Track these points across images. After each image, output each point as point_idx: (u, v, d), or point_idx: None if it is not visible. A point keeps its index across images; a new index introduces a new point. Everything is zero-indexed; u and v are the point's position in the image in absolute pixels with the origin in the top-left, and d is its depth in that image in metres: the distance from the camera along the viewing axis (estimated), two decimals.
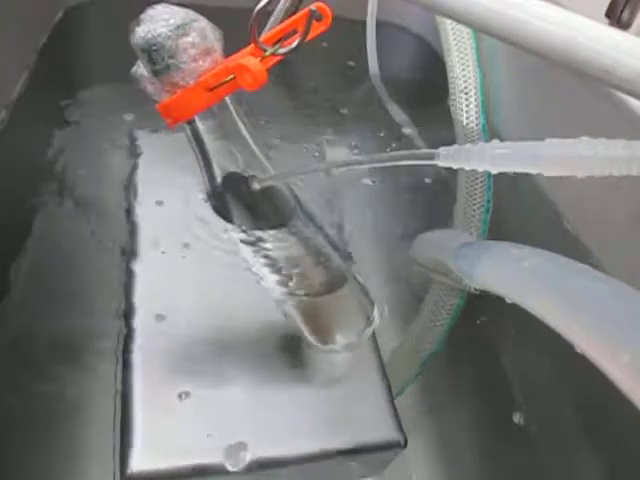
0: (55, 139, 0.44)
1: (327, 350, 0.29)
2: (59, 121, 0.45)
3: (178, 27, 0.23)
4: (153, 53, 0.23)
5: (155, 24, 0.23)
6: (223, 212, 0.28)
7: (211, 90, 0.24)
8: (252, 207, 0.29)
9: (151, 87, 0.25)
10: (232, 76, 0.23)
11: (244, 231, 0.28)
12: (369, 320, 0.29)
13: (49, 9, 0.56)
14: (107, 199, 0.40)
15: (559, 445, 0.32)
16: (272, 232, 0.28)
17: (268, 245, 0.28)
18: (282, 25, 0.24)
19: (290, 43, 0.23)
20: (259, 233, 0.28)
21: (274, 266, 0.28)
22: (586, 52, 0.19)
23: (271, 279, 0.28)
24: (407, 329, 0.38)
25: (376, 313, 0.29)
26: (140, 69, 0.25)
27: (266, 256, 0.28)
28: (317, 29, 0.23)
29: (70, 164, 0.42)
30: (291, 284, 0.28)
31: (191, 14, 0.24)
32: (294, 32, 0.24)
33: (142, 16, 0.24)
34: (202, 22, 0.24)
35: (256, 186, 0.28)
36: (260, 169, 0.28)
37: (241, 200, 0.28)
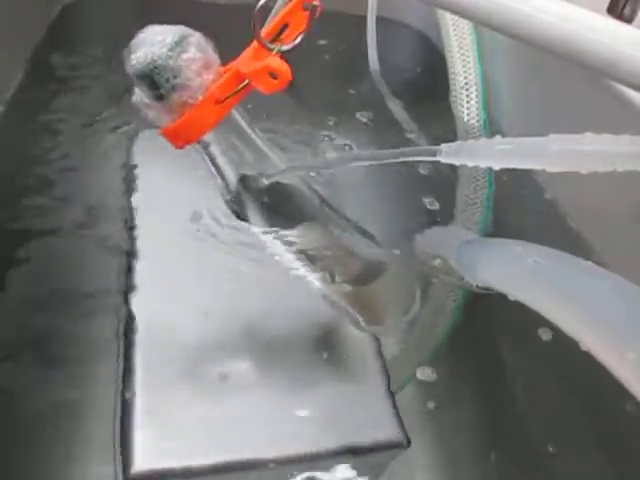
0: (52, 136, 0.43)
1: (378, 331, 0.30)
2: (55, 118, 0.45)
3: (176, 44, 0.22)
4: (156, 77, 0.22)
5: (151, 46, 0.22)
6: (244, 217, 0.28)
7: (222, 102, 0.23)
8: (272, 210, 0.28)
9: (152, 114, 0.24)
10: (247, 82, 0.22)
11: (269, 232, 0.28)
12: (414, 300, 0.29)
13: (47, 6, 0.56)
14: (105, 198, 0.39)
15: (561, 445, 0.32)
16: (301, 229, 0.27)
17: (297, 241, 0.28)
18: (274, 21, 0.23)
19: (291, 39, 0.23)
20: (286, 231, 0.27)
21: (310, 260, 0.28)
22: (590, 45, 0.19)
23: (311, 274, 0.28)
24: (408, 328, 0.37)
25: (418, 293, 0.30)
26: (141, 97, 0.23)
27: (299, 252, 0.28)
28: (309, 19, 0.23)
29: (67, 162, 0.42)
30: (331, 275, 0.28)
31: (183, 29, 0.23)
32: (285, 26, 0.23)
33: (133, 42, 0.22)
34: (196, 35, 0.23)
35: (264, 182, 0.27)
36: (273, 168, 0.27)
37: (260, 204, 0.28)
